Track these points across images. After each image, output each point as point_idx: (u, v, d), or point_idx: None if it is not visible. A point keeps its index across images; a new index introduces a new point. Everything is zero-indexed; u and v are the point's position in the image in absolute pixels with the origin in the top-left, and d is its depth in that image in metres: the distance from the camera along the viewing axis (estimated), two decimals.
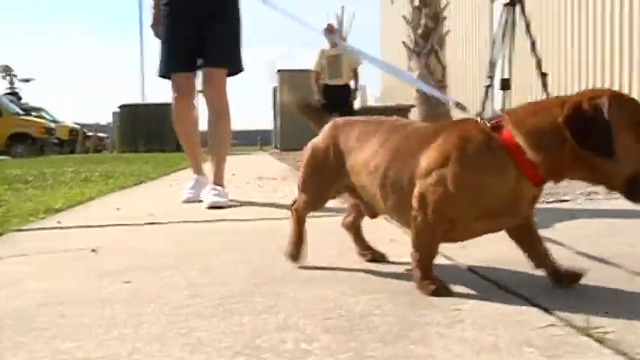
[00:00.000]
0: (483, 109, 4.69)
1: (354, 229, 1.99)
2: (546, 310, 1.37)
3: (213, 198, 3.61)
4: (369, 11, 45.69)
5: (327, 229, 2.33)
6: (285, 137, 16.59)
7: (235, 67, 3.88)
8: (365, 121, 1.80)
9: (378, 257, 1.94)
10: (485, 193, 1.41)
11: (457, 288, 1.56)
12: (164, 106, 9.28)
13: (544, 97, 4.98)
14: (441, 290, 1.50)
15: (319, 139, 1.83)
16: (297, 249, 1.87)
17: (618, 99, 1.35)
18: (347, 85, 9.32)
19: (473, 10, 12.85)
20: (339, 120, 1.85)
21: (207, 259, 2.07)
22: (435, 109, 7.02)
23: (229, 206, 3.58)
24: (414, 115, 7.57)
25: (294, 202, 1.90)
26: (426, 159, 1.47)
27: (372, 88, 17.84)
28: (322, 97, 9.17)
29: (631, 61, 8.11)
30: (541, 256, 1.57)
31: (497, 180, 1.40)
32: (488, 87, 4.90)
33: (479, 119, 1.48)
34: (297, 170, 6.79)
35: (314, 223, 2.01)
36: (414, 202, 1.48)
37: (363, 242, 1.98)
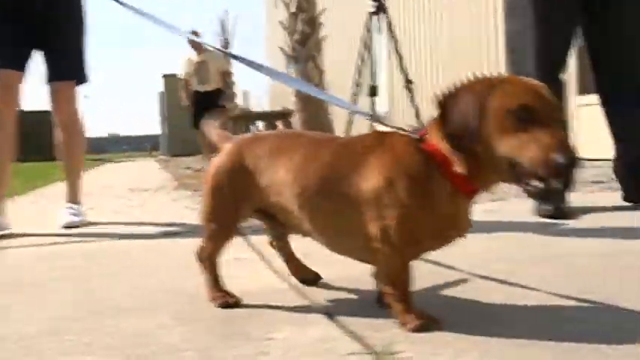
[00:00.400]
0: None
1: (284, 248, 1.85)
2: (356, 336, 1.36)
3: (68, 217, 3.46)
4: (258, 15, 45.43)
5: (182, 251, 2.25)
6: (173, 143, 16.21)
7: (84, 79, 3.54)
8: (276, 135, 1.65)
9: (312, 277, 1.83)
10: (432, 212, 1.33)
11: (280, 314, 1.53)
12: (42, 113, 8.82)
13: (410, 104, 5.14)
14: (430, 324, 1.35)
15: (222, 160, 1.63)
16: (223, 296, 1.65)
17: (502, 86, 1.24)
18: (217, 90, 9.33)
19: (350, 15, 13.04)
20: (245, 136, 1.69)
21: (26, 289, 1.94)
22: (316, 114, 7.06)
23: (87, 223, 3.47)
24: (296, 120, 7.59)
25: (200, 249, 1.67)
26: (368, 183, 1.36)
27: (262, 92, 17.79)
28: (193, 104, 9.21)
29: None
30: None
31: (438, 197, 1.32)
32: (355, 94, 4.97)
33: (404, 131, 1.40)
34: (176, 180, 6.63)
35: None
36: (375, 231, 1.35)
37: (294, 261, 1.85)
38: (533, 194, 1.23)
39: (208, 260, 1.67)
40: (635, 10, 2.83)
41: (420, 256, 1.49)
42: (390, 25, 4.86)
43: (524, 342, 1.26)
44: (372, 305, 1.58)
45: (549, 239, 2.43)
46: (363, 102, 5.02)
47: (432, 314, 1.39)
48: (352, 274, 1.82)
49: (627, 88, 2.86)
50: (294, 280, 1.89)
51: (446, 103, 1.30)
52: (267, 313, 1.58)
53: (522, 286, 1.69)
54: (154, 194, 5.44)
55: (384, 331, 1.38)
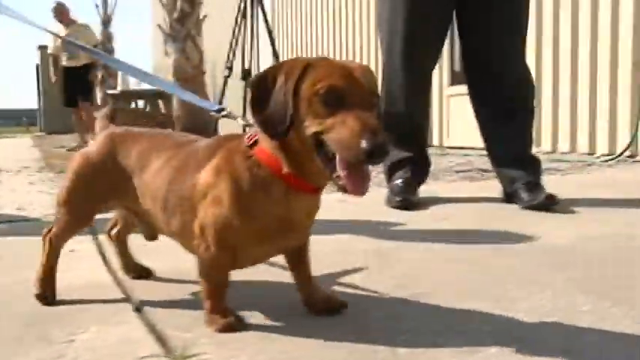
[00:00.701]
0: (222, 99, 4.68)
1: (120, 242, 1.81)
2: (161, 337, 1.32)
3: None
4: None
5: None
6: (51, 119, 15.41)
7: None
8: (148, 134, 1.58)
9: (143, 273, 1.81)
10: (256, 216, 1.26)
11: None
12: None
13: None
14: (235, 324, 1.34)
15: (93, 151, 1.57)
16: (48, 286, 1.58)
17: (314, 67, 1.18)
18: (87, 65, 8.95)
19: None
20: (118, 130, 1.60)
21: None
22: (194, 92, 6.90)
23: None
24: (176, 99, 7.38)
25: (49, 230, 1.61)
26: (200, 183, 1.32)
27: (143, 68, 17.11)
28: (62, 80, 8.80)
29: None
30: (303, 281, 1.46)
31: (263, 201, 1.25)
32: (227, 77, 4.90)
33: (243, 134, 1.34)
34: (44, 159, 6.30)
35: None
36: (196, 230, 1.32)
37: (126, 257, 1.82)
38: (341, 187, 1.15)
39: (50, 244, 1.61)
40: (506, 8, 2.85)
41: (262, 260, 1.47)
42: (262, 8, 4.81)
43: (333, 344, 1.28)
44: (195, 300, 1.56)
45: (382, 233, 2.48)
46: (237, 85, 4.96)
47: (241, 317, 1.37)
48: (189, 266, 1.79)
49: (494, 88, 2.90)
50: (121, 274, 1.84)
51: (257, 86, 1.23)
52: (80, 311, 1.52)
53: (345, 284, 1.72)
54: (15, 176, 5.14)
55: (194, 330, 1.36)
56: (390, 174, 3.03)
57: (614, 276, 1.69)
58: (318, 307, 1.44)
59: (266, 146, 1.25)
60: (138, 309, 1.50)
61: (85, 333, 1.37)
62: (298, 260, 1.44)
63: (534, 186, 2.77)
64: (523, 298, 1.51)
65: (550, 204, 2.64)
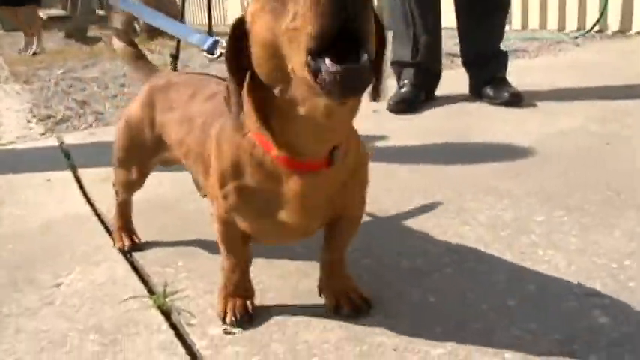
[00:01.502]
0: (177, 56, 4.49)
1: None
2: (143, 274, 1.42)
3: None
4: None
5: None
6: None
7: None
8: (183, 83, 1.44)
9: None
10: (247, 192, 1.09)
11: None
12: None
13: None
14: (240, 311, 1.22)
15: (134, 109, 1.49)
16: (127, 236, 1.61)
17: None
18: None
19: None
20: (158, 82, 1.48)
21: None
22: None
23: None
24: None
25: (115, 182, 1.61)
26: (207, 147, 1.19)
27: None
28: None
29: None
30: (323, 263, 1.27)
31: (257, 178, 1.06)
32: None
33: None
34: (11, 65, 6.12)
35: None
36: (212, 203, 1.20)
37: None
38: (333, 83, 0.81)
39: (117, 198, 1.63)
40: None
41: (283, 239, 1.26)
42: None
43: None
44: (174, 228, 1.64)
45: None
46: None
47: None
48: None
49: None
50: (100, 205, 1.90)
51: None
52: (63, 250, 1.59)
53: None
54: None
55: (174, 263, 1.45)
56: (398, 75, 3.04)
57: (570, 180, 1.78)
58: (331, 300, 1.23)
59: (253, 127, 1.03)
60: (120, 249, 1.57)
61: (71, 274, 1.45)
62: (329, 235, 1.23)
63: (500, 81, 2.81)
64: (481, 210, 1.61)
65: (514, 101, 2.69)
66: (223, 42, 1.21)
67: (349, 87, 0.82)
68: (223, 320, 1.20)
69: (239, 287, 1.24)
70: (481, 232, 1.48)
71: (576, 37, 5.03)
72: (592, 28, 5.08)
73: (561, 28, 5.50)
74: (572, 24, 5.40)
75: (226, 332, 1.17)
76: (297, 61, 0.85)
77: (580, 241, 1.38)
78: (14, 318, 1.27)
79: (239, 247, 1.21)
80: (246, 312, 1.22)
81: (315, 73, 0.82)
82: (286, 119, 0.96)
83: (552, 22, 5.57)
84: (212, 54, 1.28)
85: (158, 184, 1.99)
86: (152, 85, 1.49)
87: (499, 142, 2.22)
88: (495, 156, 2.06)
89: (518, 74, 3.25)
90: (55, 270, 1.48)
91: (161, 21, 1.49)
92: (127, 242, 1.58)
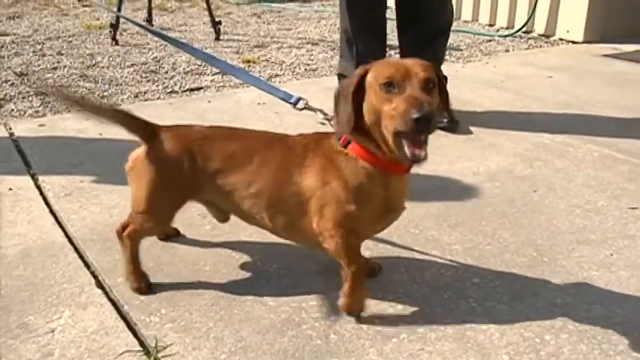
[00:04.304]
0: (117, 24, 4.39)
1: None
2: (134, 332, 1.56)
3: None
4: None
5: None
6: None
7: None
8: (223, 134, 1.68)
9: (173, 232, 1.99)
10: (368, 202, 1.50)
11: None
12: None
13: None
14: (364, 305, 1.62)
15: (167, 153, 1.61)
16: (141, 278, 1.72)
17: (374, 67, 1.45)
18: None
19: None
20: (187, 132, 1.66)
21: None
22: None
23: None
24: None
25: (123, 227, 1.70)
26: (307, 184, 1.53)
27: None
28: None
29: None
30: None
31: (371, 188, 1.49)
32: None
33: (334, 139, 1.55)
34: None
35: None
36: (315, 227, 1.54)
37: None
38: (403, 156, 1.37)
39: (130, 241, 1.70)
40: None
41: (374, 235, 1.77)
42: None
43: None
44: (151, 271, 1.79)
45: None
46: None
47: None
48: None
49: (419, 24, 3.02)
50: (72, 229, 2.01)
51: (335, 99, 1.51)
52: (48, 290, 1.71)
53: None
54: None
55: (155, 313, 1.61)
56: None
57: (500, 237, 2.04)
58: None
59: (357, 143, 1.49)
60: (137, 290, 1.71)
61: (61, 318, 1.59)
62: None
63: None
64: (427, 267, 1.85)
65: (451, 127, 2.94)
66: (306, 99, 1.74)
67: (417, 159, 1.36)
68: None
69: (363, 285, 1.60)
70: (426, 292, 1.72)
71: (505, 36, 5.33)
72: (521, 29, 5.38)
73: (492, 22, 5.78)
74: (502, 21, 5.68)
75: None
76: (389, 130, 1.38)
77: (510, 310, 1.65)
78: None
79: (359, 253, 1.60)
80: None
81: (399, 145, 1.37)
82: (375, 142, 1.46)
83: (484, 16, 5.84)
84: (295, 105, 1.73)
85: (120, 211, 2.12)
86: (182, 133, 1.66)
87: (439, 181, 2.46)
88: (435, 197, 2.29)
89: (457, 88, 3.51)
90: (45, 313, 1.60)
91: (246, 77, 1.98)
92: (142, 284, 1.71)
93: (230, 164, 1.60)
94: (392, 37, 3.24)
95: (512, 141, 2.87)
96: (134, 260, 1.72)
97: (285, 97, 1.76)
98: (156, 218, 1.69)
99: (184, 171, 1.61)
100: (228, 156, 1.61)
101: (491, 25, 5.77)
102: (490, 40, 5.26)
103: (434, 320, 1.60)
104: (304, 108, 1.73)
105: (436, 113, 1.35)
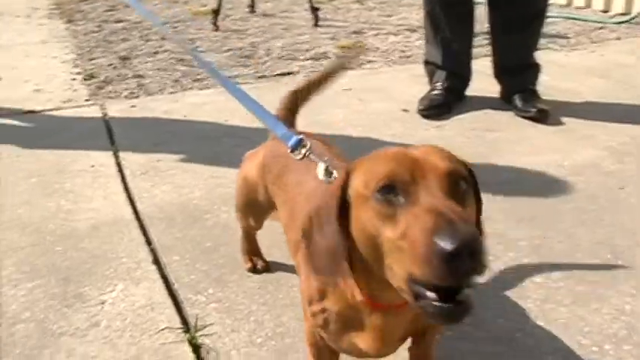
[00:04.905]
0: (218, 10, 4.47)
1: None
2: (180, 309, 1.59)
3: None
4: None
5: None
6: None
7: None
8: (285, 156, 1.37)
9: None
10: (335, 318, 1.10)
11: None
12: None
13: None
14: None
15: (251, 172, 1.56)
16: (257, 258, 1.77)
17: (359, 167, 0.92)
18: None
19: None
20: (270, 153, 1.49)
21: None
22: None
23: None
24: None
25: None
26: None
27: None
28: None
29: None
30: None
31: (351, 318, 1.07)
32: None
33: None
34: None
35: None
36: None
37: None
38: (434, 315, 0.79)
39: (245, 230, 1.75)
40: None
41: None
42: None
43: None
44: (208, 250, 1.81)
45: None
46: None
47: None
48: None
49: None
50: (141, 206, 2.08)
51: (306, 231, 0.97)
52: (106, 264, 1.78)
53: None
54: (25, 24, 5.17)
55: (202, 292, 1.63)
56: (430, 76, 3.11)
57: (575, 235, 1.90)
58: None
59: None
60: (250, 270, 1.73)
61: (114, 291, 1.64)
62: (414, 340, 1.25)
63: (530, 94, 2.88)
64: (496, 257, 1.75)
65: (540, 117, 2.77)
66: (308, 143, 1.29)
67: (451, 319, 0.80)
68: None
69: None
70: (481, 289, 1.63)
71: (620, 22, 4.96)
72: (638, 15, 4.99)
73: (606, 8, 5.40)
74: (618, 6, 5.30)
75: None
76: (397, 272, 0.82)
77: (570, 314, 1.53)
78: (66, 339, 1.47)
79: (327, 357, 1.24)
80: None
81: (416, 295, 0.80)
82: (372, 277, 0.93)
83: (598, 2, 5.47)
84: (293, 151, 1.31)
85: (190, 191, 2.17)
86: (265, 156, 1.51)
87: (517, 173, 2.32)
88: (509, 190, 2.17)
89: (553, 76, 3.30)
90: (100, 285, 1.67)
91: (246, 101, 1.50)
92: (257, 264, 1.75)
93: (282, 187, 1.41)
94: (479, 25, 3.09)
95: (607, 134, 2.66)
96: (248, 241, 1.76)
97: (284, 138, 1.35)
98: (248, 222, 1.68)
99: (259, 192, 1.55)
100: (282, 179, 1.42)
101: (605, 12, 5.39)
102: (602, 28, 4.90)
103: (483, 320, 1.51)
104: (303, 157, 1.29)
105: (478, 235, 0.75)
